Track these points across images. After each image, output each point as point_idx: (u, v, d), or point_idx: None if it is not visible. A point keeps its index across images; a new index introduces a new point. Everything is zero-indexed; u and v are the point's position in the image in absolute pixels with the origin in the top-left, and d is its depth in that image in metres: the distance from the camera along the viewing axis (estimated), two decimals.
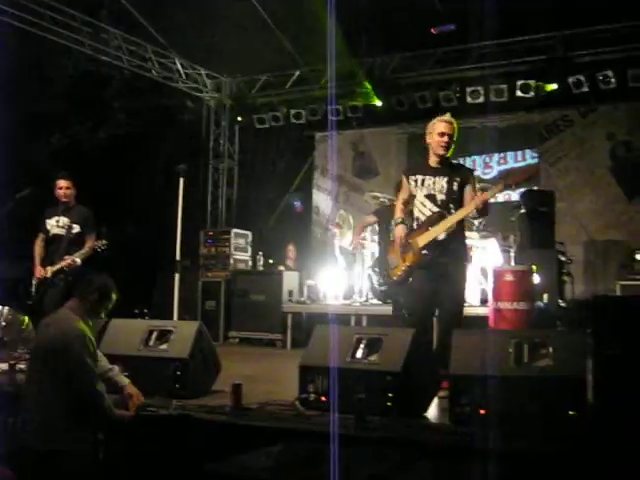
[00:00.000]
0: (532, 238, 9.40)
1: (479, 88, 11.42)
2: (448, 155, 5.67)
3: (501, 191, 5.73)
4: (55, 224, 7.73)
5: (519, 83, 11.15)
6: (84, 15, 11.19)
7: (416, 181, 5.68)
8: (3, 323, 7.12)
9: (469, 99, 11.50)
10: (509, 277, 7.96)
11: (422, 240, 5.52)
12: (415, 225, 5.67)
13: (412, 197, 5.71)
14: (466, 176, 5.66)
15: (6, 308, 7.19)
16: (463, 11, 10.61)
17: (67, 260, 7.47)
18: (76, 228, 7.69)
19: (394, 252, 5.80)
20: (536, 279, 8.48)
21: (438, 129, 5.62)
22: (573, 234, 11.35)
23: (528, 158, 12.43)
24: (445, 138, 5.59)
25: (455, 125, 5.67)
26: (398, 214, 5.82)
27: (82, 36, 11.31)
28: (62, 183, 7.76)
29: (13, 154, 13.70)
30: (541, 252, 9.18)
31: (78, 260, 7.53)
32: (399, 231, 5.71)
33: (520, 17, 10.35)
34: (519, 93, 11.21)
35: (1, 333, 7.06)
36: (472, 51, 11.41)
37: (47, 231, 7.76)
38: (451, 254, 5.53)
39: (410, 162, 6.12)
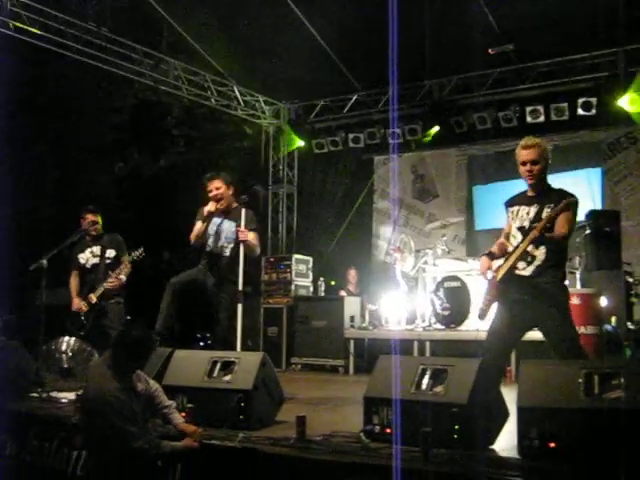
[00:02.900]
0: (598, 259, 9.23)
1: (539, 107, 11.27)
2: (536, 181, 5.16)
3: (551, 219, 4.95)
4: (90, 255, 7.95)
5: (580, 101, 10.97)
6: (144, 47, 11.41)
7: (513, 212, 5.31)
8: (70, 353, 7.22)
9: (529, 119, 11.33)
10: (575, 300, 7.81)
11: (500, 273, 5.19)
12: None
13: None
14: (560, 201, 4.99)
15: (73, 338, 7.30)
16: (520, 30, 10.56)
17: (110, 279, 7.67)
18: (112, 252, 7.89)
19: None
20: (603, 302, 8.31)
21: (519, 158, 5.18)
22: None
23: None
24: (527, 167, 5.13)
25: (539, 146, 5.15)
26: (493, 247, 5.45)
27: (143, 67, 11.52)
28: (91, 217, 7.97)
29: (78, 183, 14.08)
30: (608, 273, 9.00)
31: (123, 277, 7.75)
32: (481, 263, 5.40)
33: (580, 34, 10.23)
34: (581, 111, 11.03)
35: (69, 363, 7.17)
36: (531, 70, 11.29)
37: (81, 265, 7.95)
38: (538, 291, 5.05)
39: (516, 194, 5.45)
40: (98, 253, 7.91)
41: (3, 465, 5.63)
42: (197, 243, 7.01)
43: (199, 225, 6.97)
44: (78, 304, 7.77)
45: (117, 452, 4.44)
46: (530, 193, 5.28)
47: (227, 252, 6.94)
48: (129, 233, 8.27)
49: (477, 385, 4.52)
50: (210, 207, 6.90)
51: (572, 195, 5.13)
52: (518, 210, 5.27)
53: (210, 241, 6.99)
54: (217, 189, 6.93)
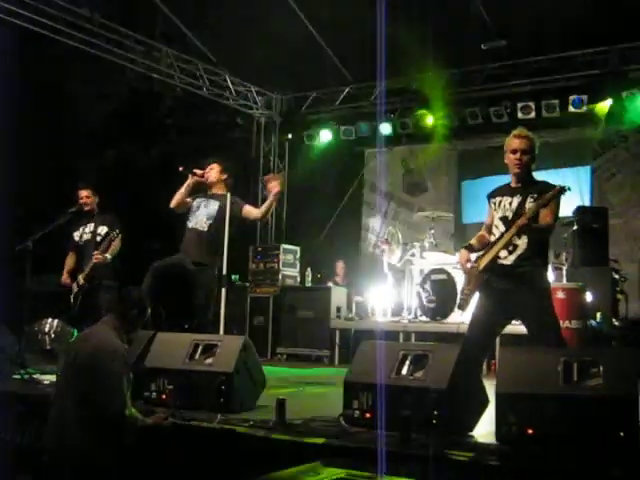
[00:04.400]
0: (585, 255, 9.27)
1: (530, 103, 11.28)
2: (522, 171, 5.21)
3: (538, 208, 5.06)
4: (83, 232, 7.95)
5: (571, 98, 10.99)
6: (137, 34, 11.36)
7: (495, 203, 5.34)
8: (53, 335, 7.22)
9: (520, 114, 11.35)
10: (560, 294, 7.83)
11: (482, 263, 5.23)
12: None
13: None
14: (543, 193, 5.05)
15: (56, 320, 7.30)
16: (513, 26, 10.57)
17: (95, 258, 7.55)
18: (103, 229, 7.86)
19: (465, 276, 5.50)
20: (589, 297, 8.32)
21: (510, 146, 5.21)
22: (627, 251, 11.14)
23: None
24: (517, 155, 5.17)
25: (530, 138, 5.23)
26: (472, 240, 5.55)
27: (135, 54, 11.47)
28: (83, 193, 7.99)
29: (67, 171, 14.00)
30: (594, 270, 9.03)
31: (107, 255, 7.64)
32: (460, 255, 5.46)
33: (573, 31, 10.24)
34: (572, 109, 11.05)
35: (51, 345, 7.17)
36: (523, 66, 11.30)
37: (76, 243, 7.95)
38: (519, 280, 5.10)
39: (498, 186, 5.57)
40: (91, 229, 7.91)
41: None
42: (177, 209, 7.21)
43: (181, 190, 7.18)
44: (65, 279, 7.75)
45: (98, 414, 4.42)
46: (513, 184, 5.32)
47: (205, 227, 7.09)
48: (120, 222, 8.23)
49: (457, 371, 4.51)
50: (197, 171, 7.17)
51: (552, 186, 5.13)
52: (501, 201, 5.30)
53: (191, 217, 7.15)
54: (211, 169, 7.26)
